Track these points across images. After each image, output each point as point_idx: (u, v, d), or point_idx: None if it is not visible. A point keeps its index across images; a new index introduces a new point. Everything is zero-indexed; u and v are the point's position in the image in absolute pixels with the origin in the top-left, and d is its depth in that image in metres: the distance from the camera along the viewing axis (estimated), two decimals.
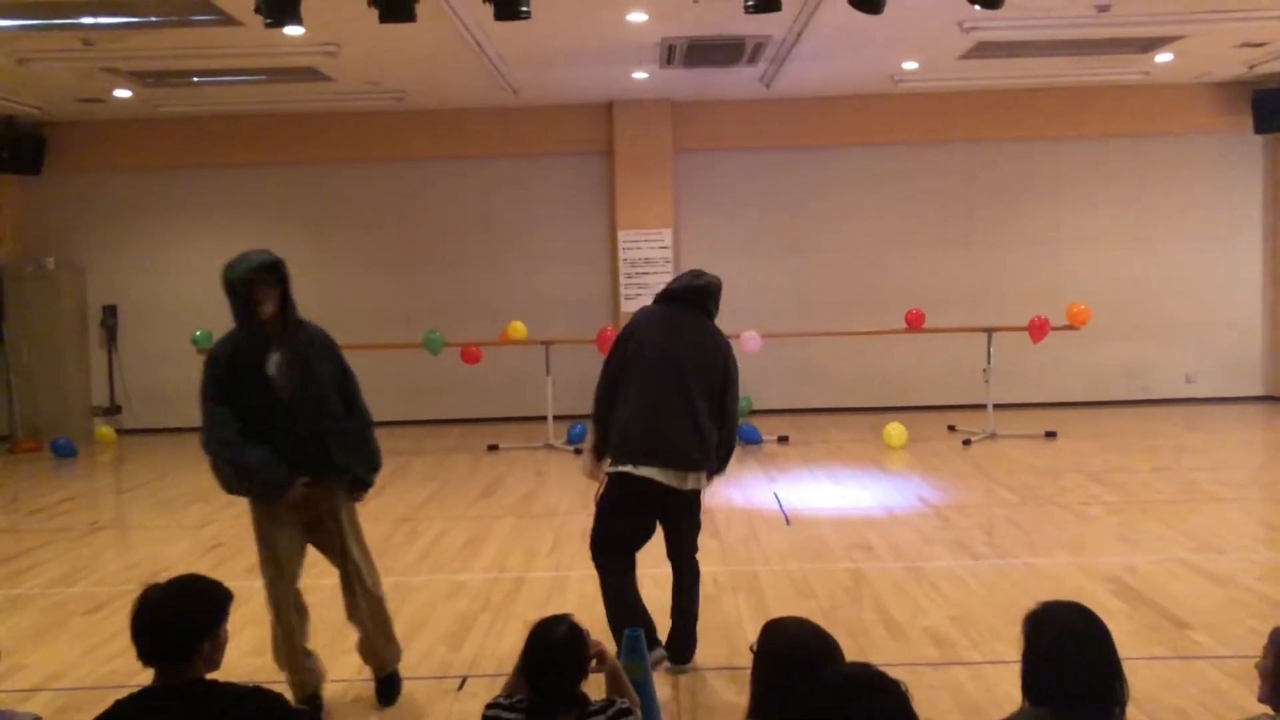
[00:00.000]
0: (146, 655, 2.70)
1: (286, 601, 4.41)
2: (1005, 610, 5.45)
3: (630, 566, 4.90)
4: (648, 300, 9.61)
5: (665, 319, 4.89)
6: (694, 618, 4.91)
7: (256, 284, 4.46)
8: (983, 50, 10.26)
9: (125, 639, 5.43)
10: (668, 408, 4.70)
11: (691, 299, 4.89)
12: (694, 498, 4.84)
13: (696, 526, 4.98)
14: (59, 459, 11.23)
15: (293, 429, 4.32)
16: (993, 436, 10.70)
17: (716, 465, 4.88)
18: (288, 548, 4.41)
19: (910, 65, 11.00)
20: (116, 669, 5.03)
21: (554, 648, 2.88)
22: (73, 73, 9.97)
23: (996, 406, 10.98)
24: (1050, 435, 10.77)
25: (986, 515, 7.70)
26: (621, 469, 4.70)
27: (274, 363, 4.40)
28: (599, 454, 4.98)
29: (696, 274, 4.97)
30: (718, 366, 4.80)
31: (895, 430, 10.48)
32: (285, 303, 4.52)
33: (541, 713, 2.84)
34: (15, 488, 9.92)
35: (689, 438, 4.68)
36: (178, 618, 2.70)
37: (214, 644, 2.76)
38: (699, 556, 5.05)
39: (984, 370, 10.88)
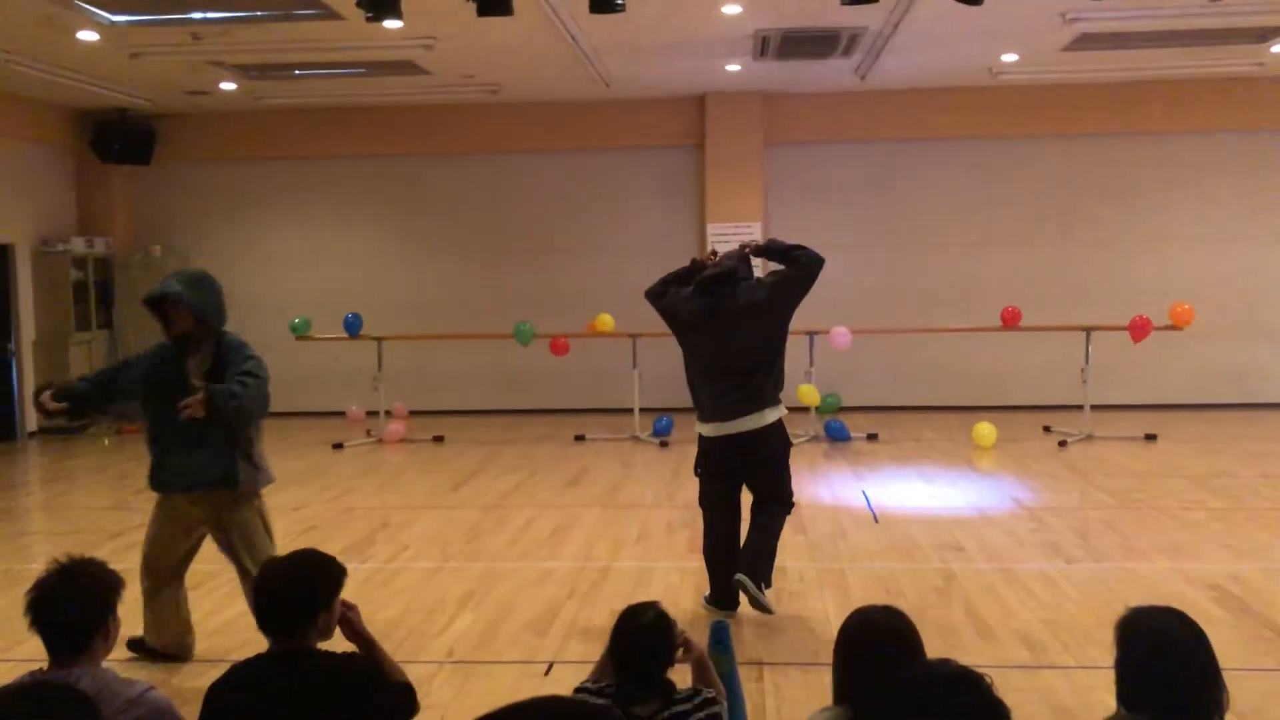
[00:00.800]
0: (270, 625, 2.82)
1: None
2: (1100, 614, 5.31)
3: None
4: None
5: None
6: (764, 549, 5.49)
7: (166, 305, 5.03)
8: (1086, 42, 10.00)
9: (227, 614, 5.65)
10: None
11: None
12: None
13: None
14: None
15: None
16: (1090, 438, 10.44)
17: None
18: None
19: (1010, 57, 10.77)
20: (215, 644, 5.20)
21: (641, 633, 2.90)
22: (181, 66, 10.30)
23: (1094, 407, 10.70)
24: (1150, 438, 10.47)
25: (1082, 518, 7.52)
26: None
27: (190, 369, 4.97)
28: None
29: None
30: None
31: (985, 430, 10.29)
32: (200, 319, 5.03)
33: (628, 699, 2.86)
34: (122, 468, 10.29)
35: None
36: (301, 590, 2.84)
37: (329, 616, 2.88)
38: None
39: (1082, 370, 10.61)
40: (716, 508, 5.53)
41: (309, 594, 2.86)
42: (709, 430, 5.48)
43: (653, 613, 2.97)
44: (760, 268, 6.11)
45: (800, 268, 5.52)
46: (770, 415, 5.39)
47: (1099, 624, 5.16)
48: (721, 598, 5.43)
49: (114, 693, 2.62)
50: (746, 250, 5.71)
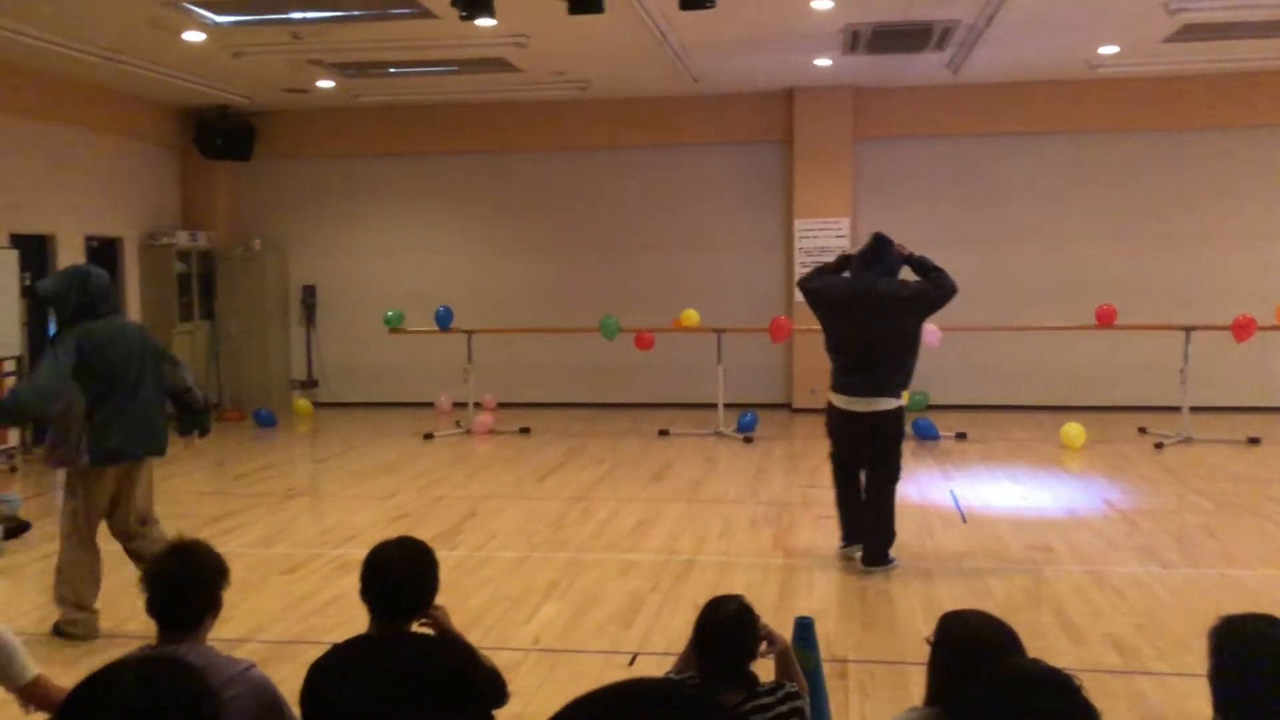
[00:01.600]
0: (381, 607, 2.92)
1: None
2: (1196, 622, 5.18)
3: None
4: None
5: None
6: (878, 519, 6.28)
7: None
8: (1190, 32, 9.70)
9: (320, 598, 5.81)
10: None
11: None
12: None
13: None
14: (260, 428, 11.97)
15: None
16: (1188, 440, 10.15)
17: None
18: None
19: (1109, 49, 10.51)
20: (312, 626, 5.36)
21: (725, 623, 2.93)
22: (282, 65, 10.58)
23: (1193, 409, 10.40)
24: (1253, 441, 10.14)
25: (1178, 522, 7.33)
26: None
27: None
28: None
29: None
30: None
31: (1074, 430, 10.07)
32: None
33: (711, 690, 2.89)
34: (222, 454, 10.64)
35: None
36: (419, 576, 2.98)
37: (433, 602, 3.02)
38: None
39: (1180, 370, 10.32)
40: (837, 466, 6.47)
41: (427, 581, 2.99)
42: (838, 401, 6.25)
43: (736, 604, 3.00)
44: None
45: (938, 287, 6.14)
46: (889, 403, 6.11)
47: (1196, 631, 5.02)
48: (846, 536, 6.41)
49: (218, 669, 2.73)
50: (904, 254, 6.27)
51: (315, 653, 2.98)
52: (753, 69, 11.28)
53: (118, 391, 5.25)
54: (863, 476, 6.33)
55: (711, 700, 1.02)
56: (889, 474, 6.26)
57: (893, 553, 6.25)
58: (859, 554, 6.27)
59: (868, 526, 6.25)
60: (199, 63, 10.49)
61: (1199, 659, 4.62)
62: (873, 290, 6.09)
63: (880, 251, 6.23)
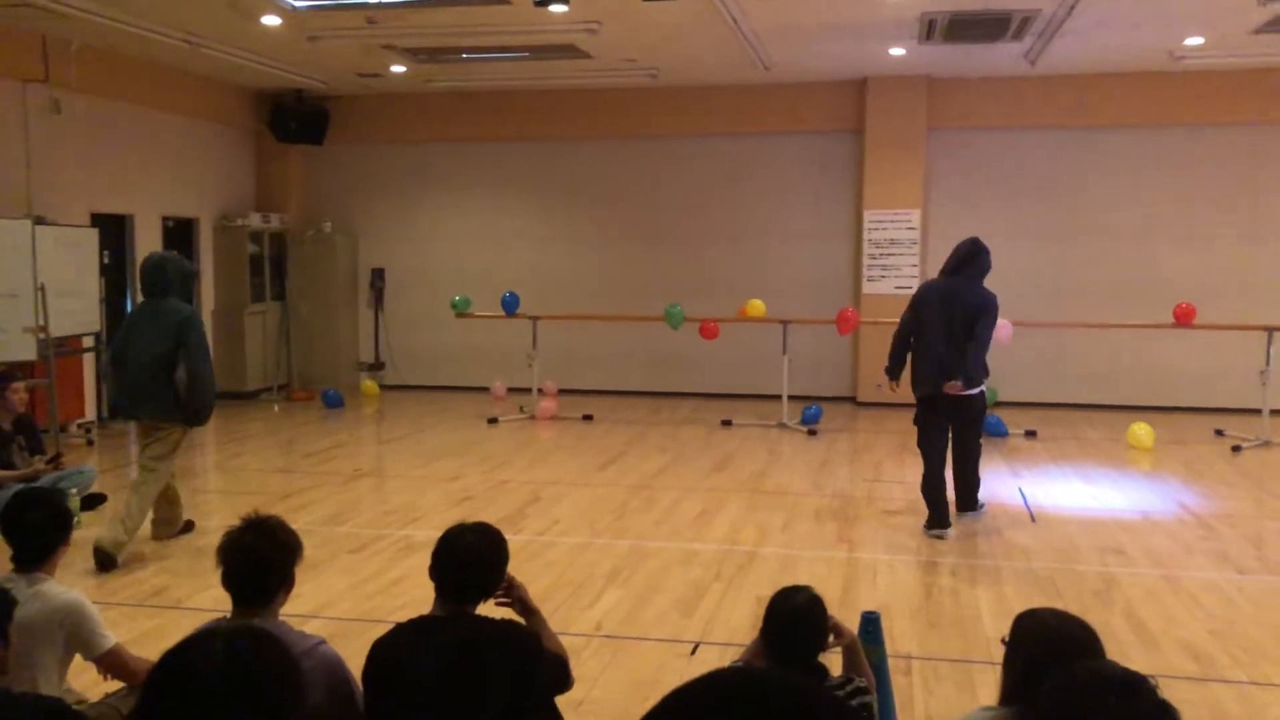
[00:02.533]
0: (449, 588, 2.95)
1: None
2: (1275, 630, 5.05)
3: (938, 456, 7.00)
4: (892, 282, 11.26)
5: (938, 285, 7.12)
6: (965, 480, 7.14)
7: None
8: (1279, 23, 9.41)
9: (386, 577, 5.88)
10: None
11: (952, 267, 7.10)
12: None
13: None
14: (328, 409, 12.14)
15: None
16: (1268, 444, 9.87)
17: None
18: None
19: (1195, 41, 10.23)
20: (377, 605, 5.42)
21: (794, 614, 2.91)
22: (356, 49, 10.70)
23: (1273, 412, 10.10)
24: None
25: (1257, 527, 7.13)
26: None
27: None
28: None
29: (958, 247, 7.19)
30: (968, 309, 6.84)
31: (1142, 430, 9.83)
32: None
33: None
34: (291, 433, 10.81)
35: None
36: (489, 560, 3.02)
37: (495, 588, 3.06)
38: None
39: (1261, 372, 10.02)
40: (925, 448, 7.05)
41: (499, 568, 3.03)
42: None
43: (806, 595, 2.97)
44: None
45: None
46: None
47: (1276, 639, 4.91)
48: (934, 521, 6.88)
49: (290, 643, 2.76)
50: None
51: (380, 631, 3.01)
52: (826, 58, 11.16)
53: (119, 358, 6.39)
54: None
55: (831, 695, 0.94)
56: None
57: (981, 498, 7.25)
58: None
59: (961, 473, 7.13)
60: (276, 47, 10.63)
61: (1278, 668, 4.51)
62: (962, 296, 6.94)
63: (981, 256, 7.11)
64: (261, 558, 2.90)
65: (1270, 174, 11.82)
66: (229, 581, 2.90)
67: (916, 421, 7.05)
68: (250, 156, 13.59)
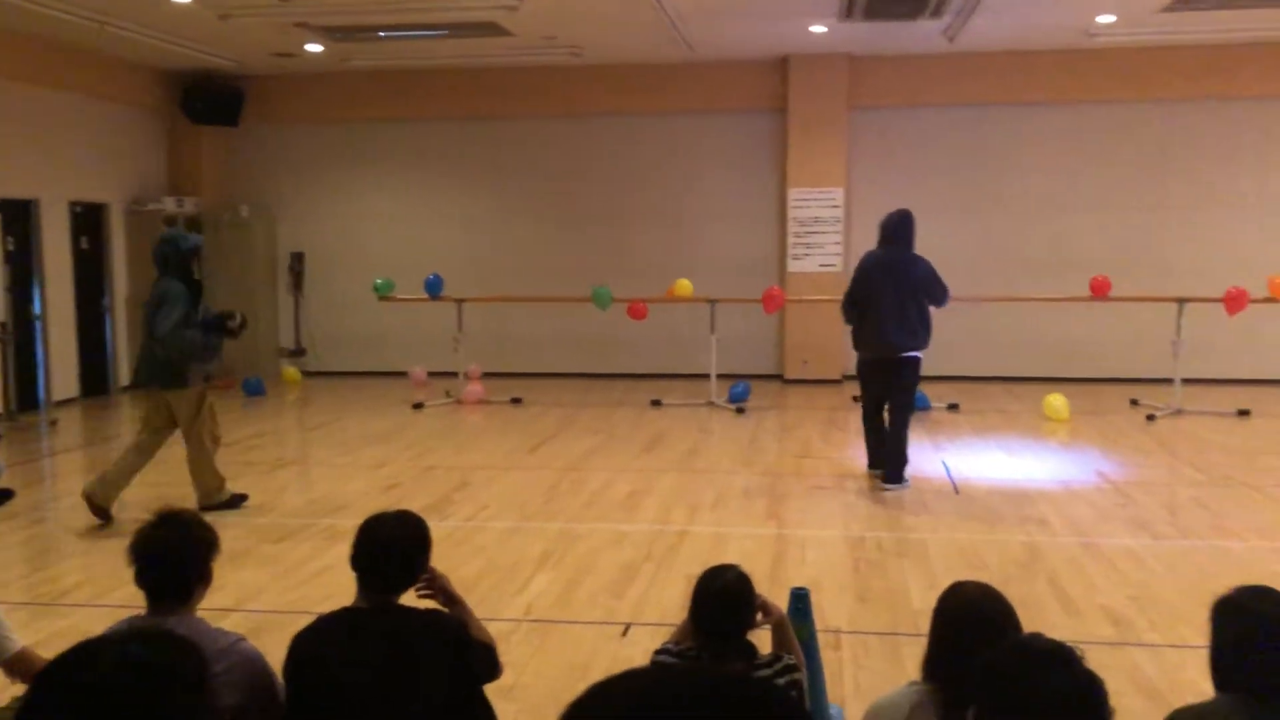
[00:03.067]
0: (373, 579, 2.88)
1: None
2: (1189, 593, 5.18)
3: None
4: (816, 260, 11.53)
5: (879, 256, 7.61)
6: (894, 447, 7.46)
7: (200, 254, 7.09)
8: (1186, 2, 9.62)
9: (310, 568, 5.77)
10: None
11: (889, 237, 7.66)
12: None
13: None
14: (249, 397, 11.90)
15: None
16: (1179, 413, 10.15)
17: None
18: None
19: (1107, 19, 10.42)
20: (302, 596, 5.32)
21: (722, 592, 2.89)
22: (269, 28, 10.43)
23: (1185, 381, 10.39)
24: (1243, 414, 10.15)
25: (1170, 494, 7.33)
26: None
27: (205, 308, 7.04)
28: None
29: (891, 218, 7.73)
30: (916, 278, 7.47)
31: (1057, 401, 10.04)
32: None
33: (710, 661, 2.86)
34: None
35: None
36: (412, 547, 2.94)
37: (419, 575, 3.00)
38: None
39: (1173, 343, 10.29)
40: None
41: (422, 556, 2.96)
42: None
43: (734, 573, 2.96)
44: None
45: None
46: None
47: (1189, 602, 5.04)
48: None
49: (208, 642, 2.67)
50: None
51: (304, 623, 2.93)
52: (748, 36, 11.16)
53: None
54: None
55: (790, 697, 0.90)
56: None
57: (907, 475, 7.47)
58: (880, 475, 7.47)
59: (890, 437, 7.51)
60: (186, 26, 10.33)
61: (1192, 630, 4.63)
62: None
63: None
64: (176, 554, 2.80)
65: (1181, 149, 12.12)
66: (143, 579, 2.80)
67: (859, 379, 7.77)
68: (162, 139, 13.20)
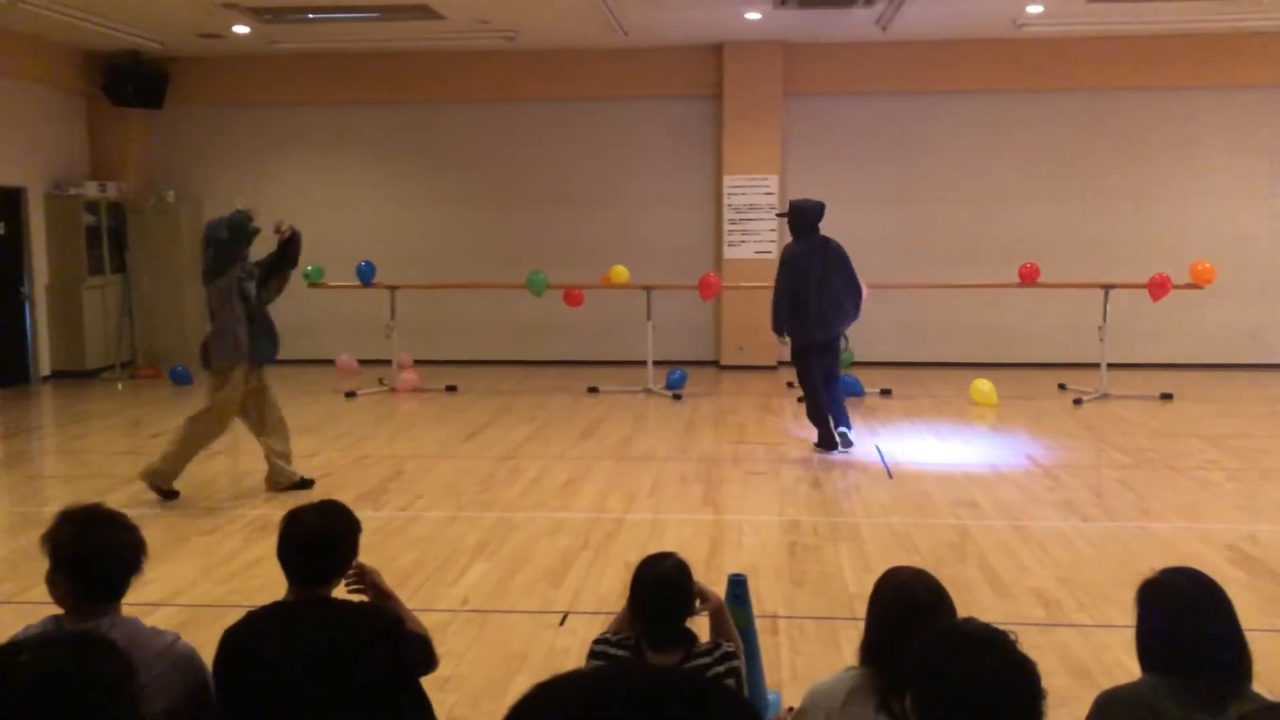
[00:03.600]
0: (302, 572, 2.83)
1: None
2: (1116, 573, 5.30)
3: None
4: (752, 247, 11.75)
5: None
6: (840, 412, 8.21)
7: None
8: None
9: (241, 559, 5.66)
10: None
11: (812, 227, 8.13)
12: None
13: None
14: (176, 386, 11.64)
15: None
16: (1105, 396, 10.38)
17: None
18: None
19: (1035, 9, 10.58)
20: (234, 588, 5.22)
21: (660, 580, 2.89)
22: (195, 8, 10.18)
23: (1110, 366, 10.63)
24: (1166, 397, 10.41)
25: (1097, 476, 7.50)
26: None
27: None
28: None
29: (806, 207, 8.17)
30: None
31: (984, 386, 10.19)
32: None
33: (649, 650, 2.85)
34: (137, 412, 10.33)
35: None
36: (340, 540, 2.88)
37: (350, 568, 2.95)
38: None
39: (1099, 328, 10.52)
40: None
41: (348, 546, 2.90)
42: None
43: (672, 561, 2.96)
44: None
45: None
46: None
47: (1115, 583, 5.15)
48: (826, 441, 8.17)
49: (144, 644, 2.58)
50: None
51: (236, 616, 2.87)
52: (683, 22, 11.15)
53: None
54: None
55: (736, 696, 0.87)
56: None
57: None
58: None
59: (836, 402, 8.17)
60: (108, 5, 10.05)
61: (1119, 610, 4.74)
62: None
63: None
64: (112, 552, 2.67)
65: (1107, 138, 12.37)
66: (72, 579, 2.68)
67: (799, 363, 8.21)
68: (82, 121, 12.83)
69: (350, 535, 2.93)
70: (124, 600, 2.80)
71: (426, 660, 2.94)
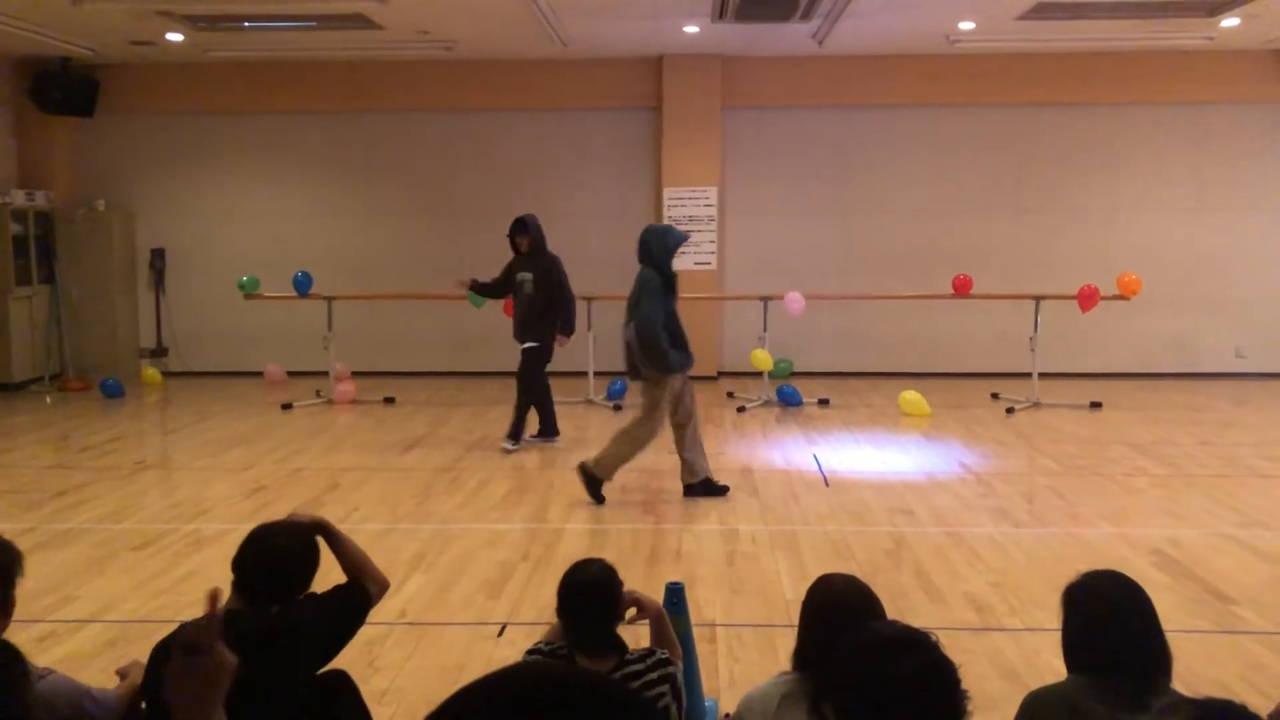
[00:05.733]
0: (255, 589, 2.80)
1: None
2: (1046, 578, 5.41)
3: None
4: (691, 259, 11.62)
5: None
6: None
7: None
8: (1042, 11, 10.04)
9: (173, 574, 5.57)
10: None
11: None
12: None
13: None
14: (107, 399, 11.41)
15: None
16: (1037, 405, 10.59)
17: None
18: None
19: (967, 25, 10.79)
20: (165, 604, 5.13)
21: (586, 586, 2.90)
22: (126, 15, 10.01)
23: (1041, 375, 10.85)
24: (1095, 406, 10.65)
25: (1029, 483, 7.64)
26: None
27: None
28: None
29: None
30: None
31: (912, 396, 10.30)
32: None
33: (581, 657, 2.86)
34: (65, 426, 10.10)
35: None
36: (295, 565, 2.90)
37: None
38: None
39: (1030, 338, 10.74)
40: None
41: (308, 571, 2.92)
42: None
43: (598, 566, 2.97)
44: None
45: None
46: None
47: (1045, 587, 5.26)
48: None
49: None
50: None
51: (168, 632, 2.83)
52: (622, 34, 11.20)
53: None
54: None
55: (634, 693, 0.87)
56: None
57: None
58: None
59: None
60: (35, 10, 9.84)
61: (1049, 614, 4.83)
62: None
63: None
64: None
65: (1038, 152, 12.64)
66: None
67: (542, 367, 8.79)
68: (9, 129, 12.53)
69: (313, 563, 2.94)
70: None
71: (362, 600, 2.95)
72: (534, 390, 8.91)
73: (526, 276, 8.72)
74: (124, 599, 5.23)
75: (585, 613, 2.88)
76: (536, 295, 8.79)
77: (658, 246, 7.33)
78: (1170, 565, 5.68)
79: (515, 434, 8.77)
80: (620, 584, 2.98)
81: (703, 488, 7.14)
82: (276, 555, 2.83)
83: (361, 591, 3.04)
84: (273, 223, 12.97)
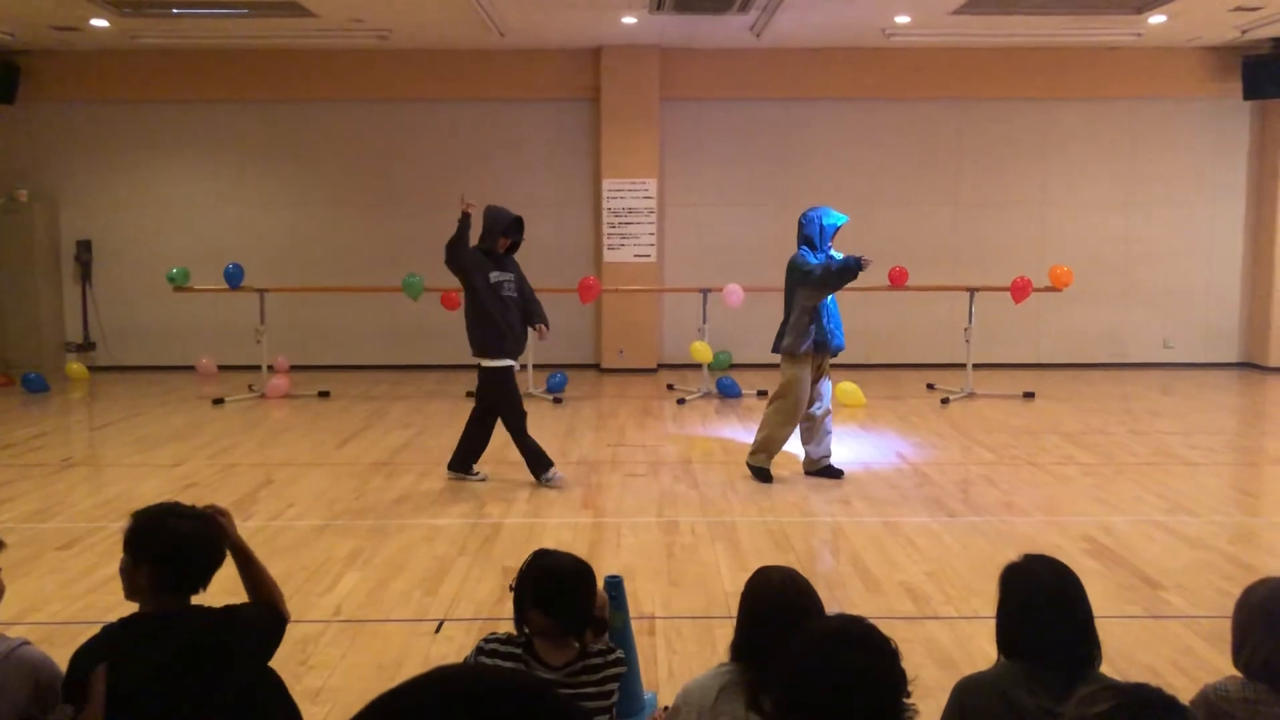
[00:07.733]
0: (174, 584, 2.71)
1: None
2: (980, 566, 5.48)
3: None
4: (631, 251, 11.54)
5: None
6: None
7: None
8: (976, 6, 10.16)
9: (99, 574, 5.43)
10: None
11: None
12: None
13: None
14: (30, 394, 11.10)
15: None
16: (971, 396, 10.74)
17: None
18: None
19: (902, 19, 10.89)
20: (91, 604, 5.00)
21: (566, 574, 2.87)
22: None
23: (975, 366, 11.01)
24: (1028, 396, 10.82)
25: (963, 473, 7.74)
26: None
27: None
28: None
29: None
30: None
31: (849, 388, 10.41)
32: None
33: (542, 644, 2.83)
34: None
35: None
36: (209, 551, 2.80)
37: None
38: None
39: (965, 330, 10.88)
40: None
41: (215, 554, 2.81)
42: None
43: (569, 557, 2.95)
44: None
45: None
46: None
47: (979, 575, 5.33)
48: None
49: None
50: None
51: (90, 634, 2.75)
52: (560, 25, 11.13)
53: None
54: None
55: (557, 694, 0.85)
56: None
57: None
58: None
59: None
60: None
61: (983, 601, 4.90)
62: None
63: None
64: None
65: (971, 145, 12.80)
66: None
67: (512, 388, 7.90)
68: None
69: (220, 547, 2.82)
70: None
71: (272, 631, 2.87)
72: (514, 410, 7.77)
73: (506, 278, 8.00)
74: (50, 600, 5.09)
75: (565, 600, 2.84)
76: (517, 299, 8.09)
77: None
78: (1102, 553, 5.78)
79: (539, 460, 7.44)
80: (593, 573, 2.96)
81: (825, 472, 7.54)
82: (177, 541, 2.72)
83: (278, 615, 2.95)
84: (204, 214, 12.71)
